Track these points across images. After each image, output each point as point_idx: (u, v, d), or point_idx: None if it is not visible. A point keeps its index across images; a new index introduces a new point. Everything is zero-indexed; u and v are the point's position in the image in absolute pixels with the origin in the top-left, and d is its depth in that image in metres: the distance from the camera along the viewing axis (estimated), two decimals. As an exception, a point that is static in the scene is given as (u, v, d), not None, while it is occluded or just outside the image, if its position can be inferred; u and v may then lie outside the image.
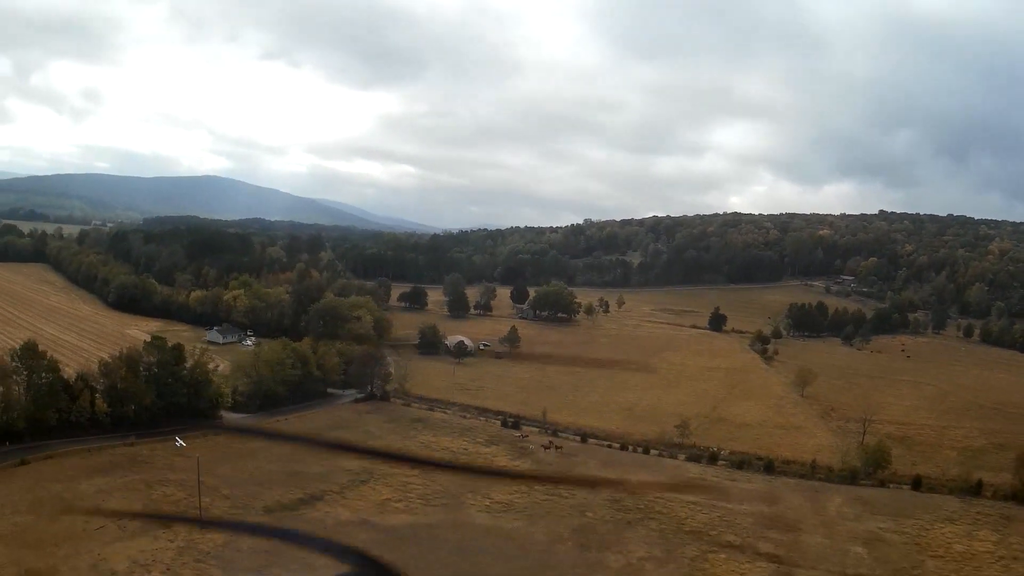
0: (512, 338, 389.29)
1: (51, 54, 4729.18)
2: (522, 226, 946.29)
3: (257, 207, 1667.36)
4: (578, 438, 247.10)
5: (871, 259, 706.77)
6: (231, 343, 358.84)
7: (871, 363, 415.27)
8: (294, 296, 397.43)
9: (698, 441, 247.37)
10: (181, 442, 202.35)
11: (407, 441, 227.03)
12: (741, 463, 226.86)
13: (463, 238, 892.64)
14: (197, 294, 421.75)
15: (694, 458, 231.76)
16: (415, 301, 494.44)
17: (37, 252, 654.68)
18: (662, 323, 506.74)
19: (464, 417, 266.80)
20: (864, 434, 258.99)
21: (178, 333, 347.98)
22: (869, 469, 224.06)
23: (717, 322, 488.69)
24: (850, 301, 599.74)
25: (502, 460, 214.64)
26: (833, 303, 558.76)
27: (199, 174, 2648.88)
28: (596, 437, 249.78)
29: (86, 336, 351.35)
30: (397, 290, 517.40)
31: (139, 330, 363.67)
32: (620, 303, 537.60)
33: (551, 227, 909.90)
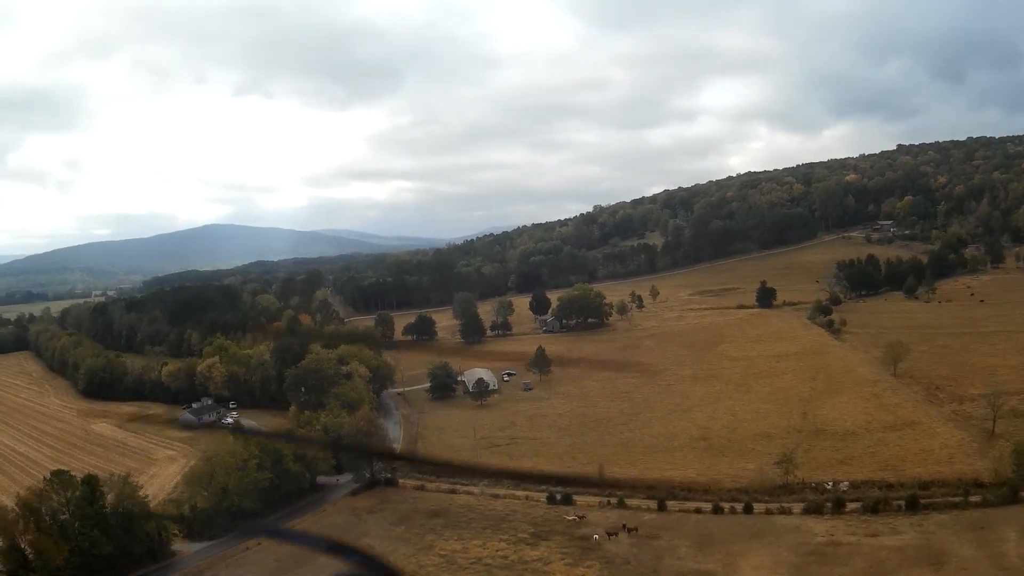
0: (541, 362, 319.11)
1: (23, 130, 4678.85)
2: (529, 224, 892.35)
3: (260, 249, 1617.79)
4: (654, 503, 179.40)
5: (906, 198, 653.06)
6: (209, 423, 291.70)
7: (948, 316, 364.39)
8: (276, 355, 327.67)
9: (806, 475, 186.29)
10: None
11: (423, 554, 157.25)
12: (876, 504, 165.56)
13: (469, 248, 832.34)
14: (170, 367, 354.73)
15: (813, 508, 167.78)
16: (422, 332, 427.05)
17: (19, 339, 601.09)
18: (705, 309, 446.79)
19: (496, 497, 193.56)
20: (995, 420, 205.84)
21: (153, 417, 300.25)
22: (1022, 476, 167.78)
23: (766, 297, 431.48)
24: (895, 248, 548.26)
25: (558, 568, 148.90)
26: (880, 252, 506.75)
27: (199, 225, 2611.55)
28: (675, 495, 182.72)
29: (45, 442, 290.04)
30: (403, 320, 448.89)
31: (109, 422, 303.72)
32: (654, 294, 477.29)
33: (560, 220, 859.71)
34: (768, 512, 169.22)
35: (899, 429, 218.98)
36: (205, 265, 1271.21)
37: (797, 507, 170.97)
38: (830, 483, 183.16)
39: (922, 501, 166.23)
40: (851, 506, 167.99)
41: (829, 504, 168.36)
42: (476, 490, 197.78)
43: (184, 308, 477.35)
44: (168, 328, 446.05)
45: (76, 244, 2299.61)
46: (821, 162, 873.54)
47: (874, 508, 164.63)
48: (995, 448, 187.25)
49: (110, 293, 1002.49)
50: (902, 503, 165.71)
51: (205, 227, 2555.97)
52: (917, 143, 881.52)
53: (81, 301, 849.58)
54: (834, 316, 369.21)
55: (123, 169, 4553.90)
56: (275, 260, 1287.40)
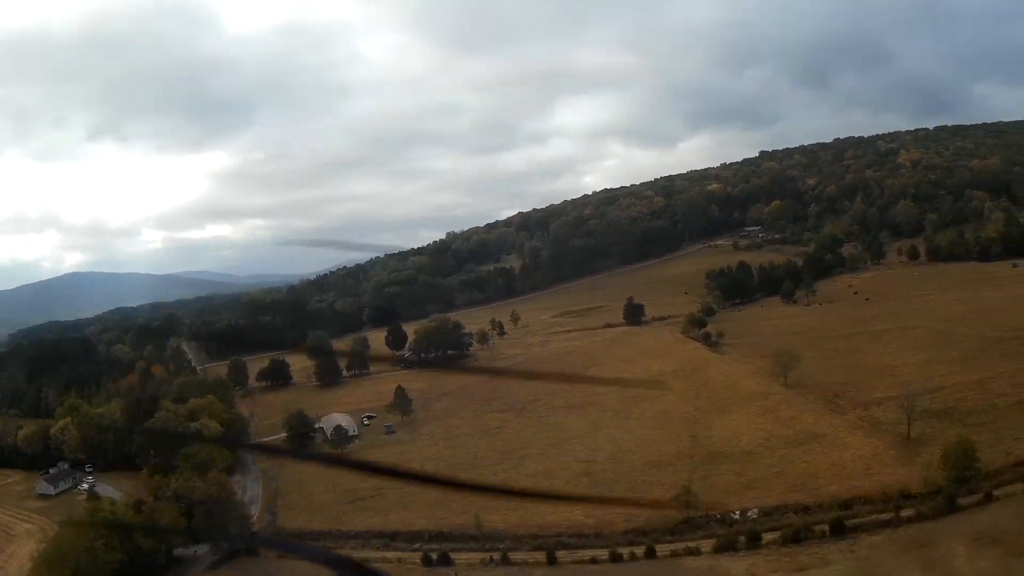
0: (402, 404, 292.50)
1: None
2: (383, 255, 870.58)
3: (120, 296, 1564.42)
4: (542, 555, 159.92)
5: (774, 202, 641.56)
6: (66, 491, 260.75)
7: (832, 318, 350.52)
8: (126, 412, 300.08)
9: (708, 506, 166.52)
10: None
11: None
12: (797, 533, 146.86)
13: (323, 283, 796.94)
14: (26, 430, 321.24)
15: (726, 544, 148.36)
16: (277, 377, 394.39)
17: None
18: (571, 330, 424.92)
19: (366, 562, 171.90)
20: (910, 424, 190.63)
21: (10, 487, 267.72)
22: (957, 481, 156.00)
23: (634, 313, 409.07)
24: (765, 253, 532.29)
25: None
26: (751, 259, 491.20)
27: (60, 274, 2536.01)
28: (565, 543, 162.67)
29: None
30: (258, 364, 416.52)
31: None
32: (515, 319, 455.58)
33: (413, 249, 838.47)
34: (674, 554, 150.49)
35: (803, 444, 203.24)
36: (68, 315, 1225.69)
37: (706, 544, 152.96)
38: (737, 512, 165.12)
39: (848, 523, 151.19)
40: (768, 537, 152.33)
41: (743, 538, 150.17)
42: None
43: (41, 363, 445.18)
44: (26, 385, 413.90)
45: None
46: (681, 174, 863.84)
47: (795, 537, 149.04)
48: (921, 454, 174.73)
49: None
50: (826, 528, 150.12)
51: (67, 275, 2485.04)
52: (782, 148, 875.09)
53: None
54: (710, 328, 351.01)
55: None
56: (134, 306, 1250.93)
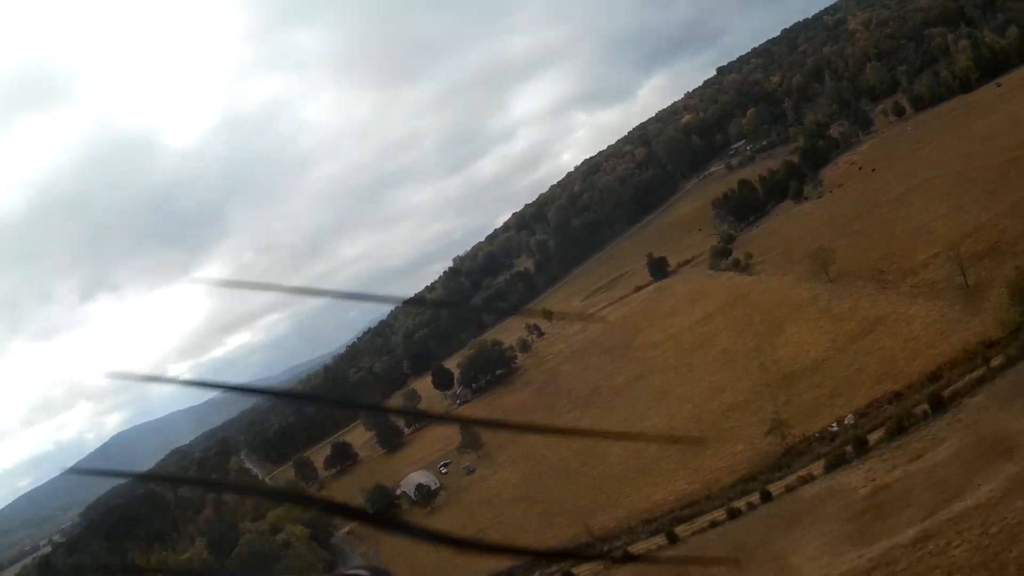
0: (471, 440, 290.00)
1: None
2: (400, 303, 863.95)
3: (170, 439, 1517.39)
4: (662, 539, 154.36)
5: (749, 111, 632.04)
6: None
7: (848, 200, 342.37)
8: (210, 549, 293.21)
9: (804, 429, 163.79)
10: None
11: None
12: (899, 423, 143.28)
13: (355, 351, 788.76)
14: None
15: (835, 461, 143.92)
16: (343, 459, 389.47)
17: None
18: (604, 306, 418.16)
19: None
20: (964, 273, 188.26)
21: None
22: None
23: (659, 267, 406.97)
24: (759, 164, 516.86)
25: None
26: (748, 174, 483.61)
27: (105, 440, 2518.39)
28: (679, 516, 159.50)
29: None
30: (322, 453, 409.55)
31: None
32: (547, 316, 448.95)
33: (427, 286, 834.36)
34: (789, 489, 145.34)
35: (869, 332, 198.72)
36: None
37: (817, 468, 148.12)
38: (835, 425, 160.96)
39: (944, 394, 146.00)
40: (874, 437, 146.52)
41: (849, 448, 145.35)
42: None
43: (118, 531, 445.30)
44: (111, 558, 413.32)
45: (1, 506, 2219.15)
46: (652, 118, 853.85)
47: (900, 428, 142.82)
48: (987, 298, 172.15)
49: (55, 538, 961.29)
50: (926, 407, 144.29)
51: (112, 439, 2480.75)
52: (736, 58, 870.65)
53: (30, 559, 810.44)
54: (736, 254, 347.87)
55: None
56: (187, 443, 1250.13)
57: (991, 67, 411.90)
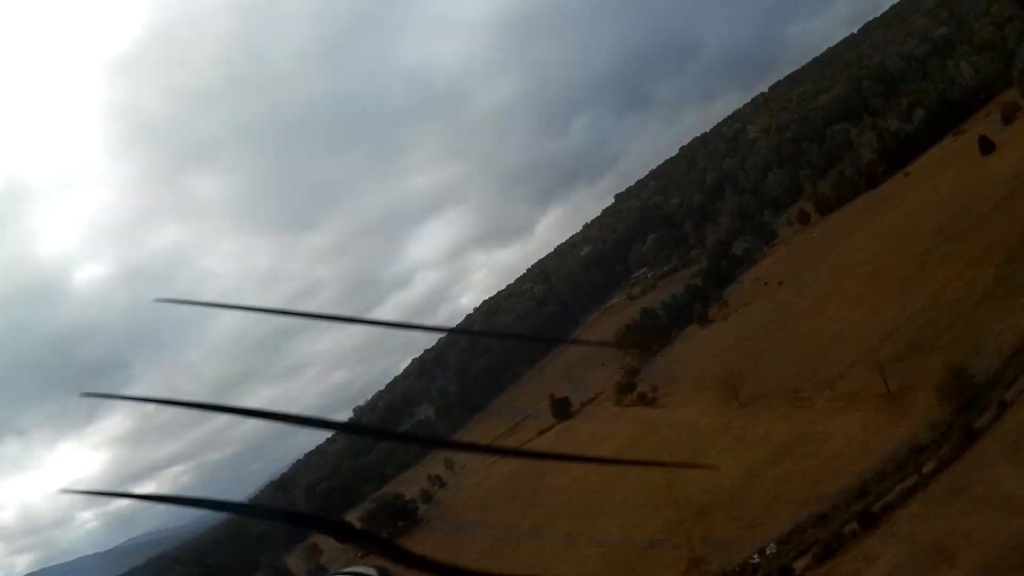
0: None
1: None
2: (301, 456, 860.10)
3: None
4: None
5: (649, 237, 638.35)
6: None
7: (755, 317, 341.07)
8: None
9: (723, 564, 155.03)
10: None
11: None
12: (828, 546, 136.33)
13: (256, 510, 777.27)
14: None
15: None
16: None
17: None
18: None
19: None
20: (885, 378, 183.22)
21: None
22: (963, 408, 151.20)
23: (562, 409, 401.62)
24: (661, 290, 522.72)
25: None
26: (650, 302, 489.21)
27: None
28: None
29: None
30: None
31: None
32: (450, 465, 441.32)
33: (327, 439, 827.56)
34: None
35: (787, 455, 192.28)
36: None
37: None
38: (756, 556, 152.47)
39: (874, 509, 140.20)
40: (800, 564, 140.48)
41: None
42: None
43: None
44: None
45: None
46: (550, 254, 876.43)
47: (827, 551, 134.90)
48: (912, 401, 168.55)
49: None
50: (855, 526, 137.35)
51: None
52: (634, 182, 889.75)
53: None
54: (642, 387, 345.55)
55: None
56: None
57: (899, 156, 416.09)
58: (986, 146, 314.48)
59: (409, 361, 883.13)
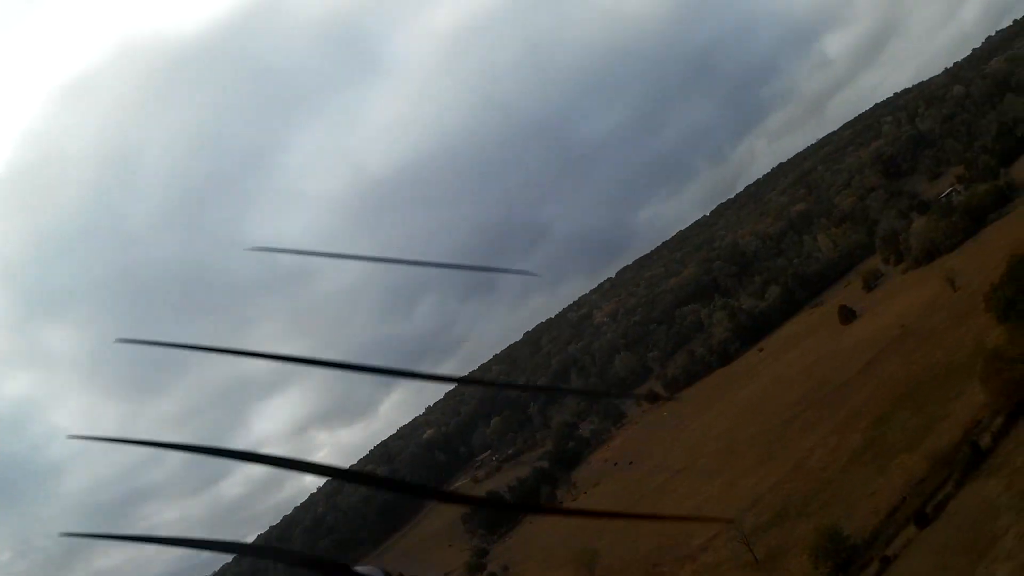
0: None
1: None
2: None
3: None
4: None
5: (493, 420, 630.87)
6: None
7: (609, 493, 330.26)
8: None
9: None
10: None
11: None
12: None
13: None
14: None
15: None
16: None
17: None
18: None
19: None
20: (751, 548, 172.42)
21: None
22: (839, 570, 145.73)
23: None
24: (507, 472, 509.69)
25: None
26: (497, 483, 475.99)
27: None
28: None
29: None
30: None
31: None
32: None
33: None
34: None
35: None
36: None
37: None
38: None
39: None
40: None
41: None
42: None
43: None
44: None
45: None
46: (394, 435, 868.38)
47: None
48: (784, 568, 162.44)
49: None
50: None
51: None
52: (477, 367, 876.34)
53: None
54: (491, 567, 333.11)
55: None
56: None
57: (752, 333, 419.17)
58: (847, 315, 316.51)
59: (255, 536, 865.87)
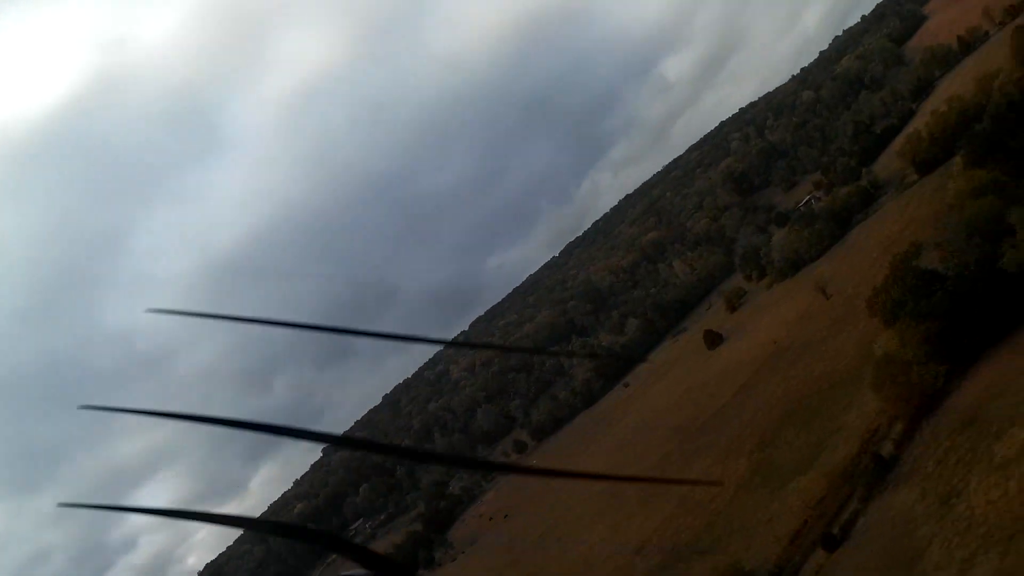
0: None
1: None
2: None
3: None
4: None
5: (361, 488, 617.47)
6: None
7: (483, 559, 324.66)
8: None
9: None
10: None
11: None
12: None
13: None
14: None
15: None
16: None
17: None
18: None
19: None
20: None
21: None
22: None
23: None
24: (381, 539, 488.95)
25: None
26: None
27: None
28: None
29: None
30: None
31: None
32: None
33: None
34: None
35: None
36: None
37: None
38: None
39: None
40: None
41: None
42: None
43: None
44: None
45: None
46: (266, 512, 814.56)
47: None
48: None
49: None
50: None
51: None
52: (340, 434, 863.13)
53: None
54: None
55: None
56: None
57: (615, 369, 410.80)
58: (713, 339, 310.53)
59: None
